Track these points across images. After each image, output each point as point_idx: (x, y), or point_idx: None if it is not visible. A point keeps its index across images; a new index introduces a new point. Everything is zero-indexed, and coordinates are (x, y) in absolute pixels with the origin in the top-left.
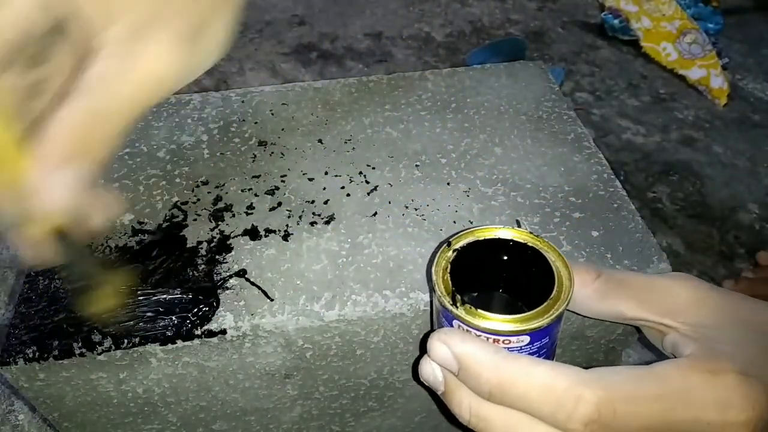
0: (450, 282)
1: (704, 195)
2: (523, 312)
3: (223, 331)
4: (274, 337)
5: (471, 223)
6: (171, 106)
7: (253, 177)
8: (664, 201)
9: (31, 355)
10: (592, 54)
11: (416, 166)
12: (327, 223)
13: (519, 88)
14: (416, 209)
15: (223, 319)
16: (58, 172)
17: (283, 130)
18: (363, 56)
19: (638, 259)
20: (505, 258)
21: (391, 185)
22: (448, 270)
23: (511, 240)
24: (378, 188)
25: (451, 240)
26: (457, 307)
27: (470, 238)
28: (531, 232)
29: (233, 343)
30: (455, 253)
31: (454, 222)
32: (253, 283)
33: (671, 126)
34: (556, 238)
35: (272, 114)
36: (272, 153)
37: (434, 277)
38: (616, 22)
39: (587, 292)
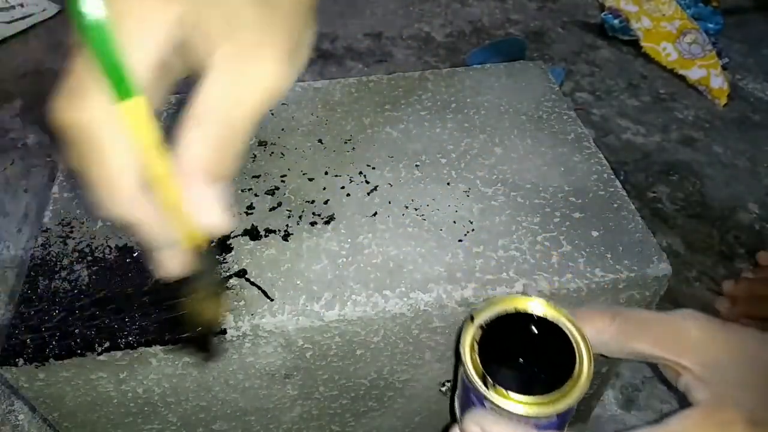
0: (479, 362)
1: (704, 195)
2: (544, 381)
3: (223, 331)
4: (274, 337)
5: (471, 223)
6: (171, 106)
7: (253, 177)
8: (664, 201)
9: (31, 355)
10: (592, 54)
11: (416, 166)
12: (327, 223)
13: (519, 88)
14: (416, 209)
15: (223, 319)
16: (209, 190)
17: (283, 130)
18: (363, 56)
19: (638, 259)
20: (528, 331)
21: (391, 185)
22: (476, 349)
23: (535, 315)
24: (378, 188)
25: (473, 314)
26: (488, 389)
27: (493, 312)
28: (548, 302)
29: (233, 343)
30: (481, 330)
31: (454, 222)
32: (253, 283)
33: (671, 126)
34: (556, 238)
35: (272, 114)
36: (272, 153)
37: (463, 357)
38: (616, 22)
39: (605, 338)
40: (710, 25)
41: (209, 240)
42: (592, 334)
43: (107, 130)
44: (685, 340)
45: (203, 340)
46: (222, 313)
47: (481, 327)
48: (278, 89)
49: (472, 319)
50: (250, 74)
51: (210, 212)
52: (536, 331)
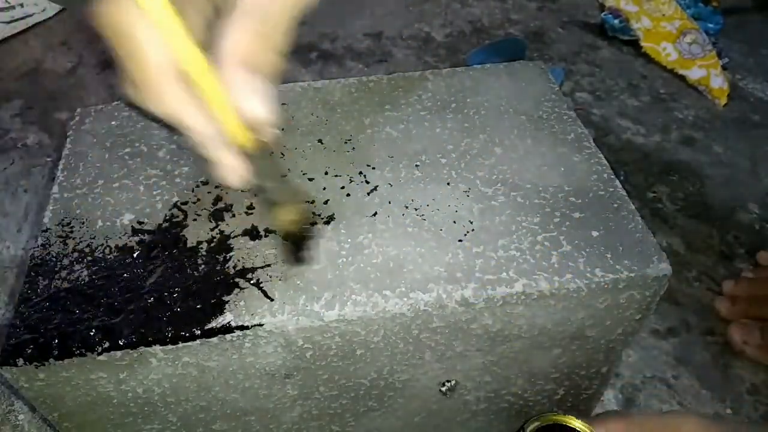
0: None
1: (704, 195)
2: None
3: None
4: (274, 337)
5: (471, 223)
6: None
7: None
8: (664, 201)
9: (31, 355)
10: (592, 54)
11: (416, 166)
12: (327, 223)
13: (519, 88)
14: (416, 209)
15: (223, 319)
16: (250, 78)
17: (283, 130)
18: (363, 56)
19: (638, 259)
20: None
21: (391, 185)
22: None
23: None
24: (378, 188)
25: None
26: None
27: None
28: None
29: (233, 343)
30: None
31: (454, 222)
32: (253, 283)
33: (671, 126)
34: (556, 238)
35: None
36: (272, 153)
37: None
38: (616, 22)
39: None
40: (710, 25)
41: (261, 141)
42: None
43: (141, 29)
44: None
45: (295, 244)
46: (304, 213)
47: None
48: None
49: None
50: None
51: (252, 100)
52: None
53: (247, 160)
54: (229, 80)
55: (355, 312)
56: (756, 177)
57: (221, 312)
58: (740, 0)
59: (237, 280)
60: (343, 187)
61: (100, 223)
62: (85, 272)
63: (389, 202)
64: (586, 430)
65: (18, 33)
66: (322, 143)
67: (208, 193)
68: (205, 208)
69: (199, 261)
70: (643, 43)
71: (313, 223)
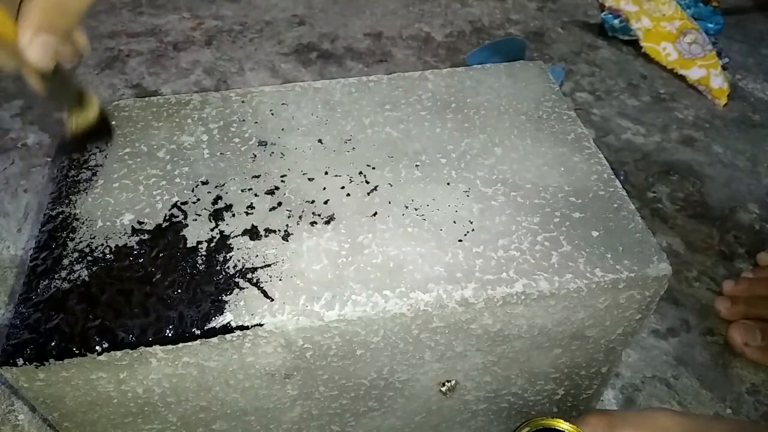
0: None
1: (704, 195)
2: None
3: (224, 331)
4: (274, 337)
5: (471, 223)
6: (171, 106)
7: (253, 177)
8: (664, 201)
9: (31, 355)
10: (592, 54)
11: (416, 166)
12: (327, 223)
13: (519, 88)
14: (416, 209)
15: (223, 319)
16: (37, 38)
17: (283, 130)
18: (363, 56)
19: (638, 259)
20: None
21: (391, 185)
22: None
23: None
24: (378, 188)
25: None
26: None
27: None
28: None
29: (233, 343)
30: None
31: (454, 222)
32: (253, 283)
33: (671, 126)
34: (556, 238)
35: (272, 114)
36: (272, 153)
37: None
38: (616, 22)
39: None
40: (710, 25)
41: (46, 71)
42: (589, 429)
43: None
44: (656, 427)
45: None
46: (92, 116)
47: None
48: None
49: None
50: None
51: (34, 54)
52: None
53: (41, 81)
54: (20, 38)
55: (355, 312)
56: (756, 177)
57: (221, 312)
58: (740, 0)
59: (237, 280)
60: (343, 187)
61: (100, 223)
62: (85, 272)
63: (389, 202)
64: (575, 431)
65: None
66: (322, 143)
67: (208, 193)
68: (205, 208)
69: (199, 261)
70: (643, 43)
71: (106, 118)
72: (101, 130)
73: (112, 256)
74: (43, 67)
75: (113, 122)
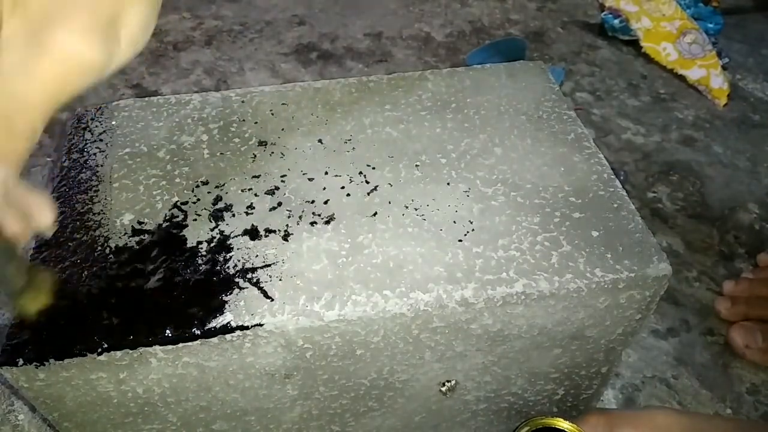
0: None
1: (704, 195)
2: None
3: (224, 331)
4: (274, 337)
5: (471, 223)
6: (171, 106)
7: (253, 177)
8: (664, 201)
9: (31, 355)
10: (592, 54)
11: (416, 166)
12: (327, 223)
13: (519, 88)
14: (416, 209)
15: (223, 319)
16: None
17: (283, 130)
18: (363, 56)
19: (638, 259)
20: None
21: (391, 185)
22: None
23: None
24: (378, 188)
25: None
26: None
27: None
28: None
29: (233, 343)
30: None
31: (454, 222)
32: (253, 283)
33: (671, 126)
34: (556, 238)
35: (272, 114)
36: (272, 153)
37: None
38: (616, 22)
39: (599, 430)
40: (710, 25)
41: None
42: (588, 428)
43: None
44: (655, 425)
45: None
46: (44, 300)
47: None
48: (85, 64)
49: None
50: (44, 48)
51: None
52: None
53: None
54: None
55: (355, 312)
56: (756, 177)
57: (221, 312)
58: (740, 0)
59: (237, 280)
60: (343, 187)
61: (100, 223)
62: (85, 272)
63: (389, 202)
64: (575, 430)
65: None
66: (322, 143)
67: (208, 193)
68: (205, 208)
69: (199, 261)
70: (643, 43)
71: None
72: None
73: (112, 256)
74: None
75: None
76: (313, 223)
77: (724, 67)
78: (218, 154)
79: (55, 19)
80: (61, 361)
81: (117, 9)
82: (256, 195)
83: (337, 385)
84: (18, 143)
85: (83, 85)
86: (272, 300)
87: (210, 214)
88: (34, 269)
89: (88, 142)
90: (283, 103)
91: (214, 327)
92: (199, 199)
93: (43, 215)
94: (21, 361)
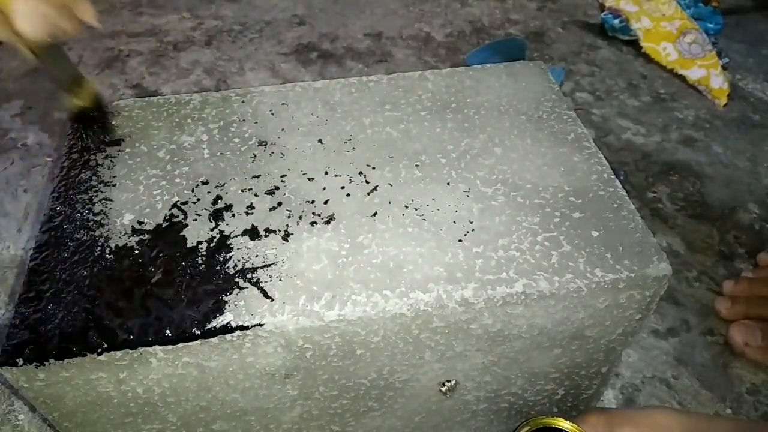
0: None
1: (704, 195)
2: None
3: (224, 331)
4: (274, 337)
5: (471, 223)
6: (171, 106)
7: (253, 177)
8: (664, 201)
9: (31, 355)
10: (592, 54)
11: (416, 166)
12: (327, 223)
13: (519, 88)
14: (416, 209)
15: (223, 319)
16: (29, 7)
17: (283, 130)
18: (363, 56)
19: (638, 259)
20: None
21: (391, 185)
22: None
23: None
24: (378, 188)
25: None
26: None
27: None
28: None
29: (233, 343)
30: None
31: (454, 222)
32: (253, 283)
33: (671, 126)
34: (556, 238)
35: (272, 114)
36: (272, 153)
37: None
38: (616, 22)
39: (599, 430)
40: (710, 25)
41: (41, 46)
42: (589, 428)
43: None
44: (655, 425)
45: (92, 116)
46: (90, 96)
47: None
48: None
49: None
50: None
51: (22, 20)
52: None
53: (37, 58)
54: (14, 8)
55: (355, 312)
56: (756, 177)
57: (221, 312)
58: (740, 0)
59: (237, 280)
60: (343, 187)
61: (100, 223)
62: (85, 272)
63: (389, 202)
64: (575, 430)
65: None
66: (322, 143)
67: (208, 193)
68: (205, 208)
69: (199, 261)
70: (643, 43)
71: (102, 104)
72: (98, 117)
73: (112, 256)
74: (34, 39)
75: (110, 111)
76: (313, 223)
77: (724, 67)
78: (218, 154)
79: None
80: (61, 361)
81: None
82: (256, 195)
83: (337, 385)
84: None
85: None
86: (272, 300)
87: (210, 214)
88: (79, 74)
89: (88, 141)
90: (283, 103)
91: (214, 327)
92: (199, 199)
93: (86, 10)
94: (21, 361)
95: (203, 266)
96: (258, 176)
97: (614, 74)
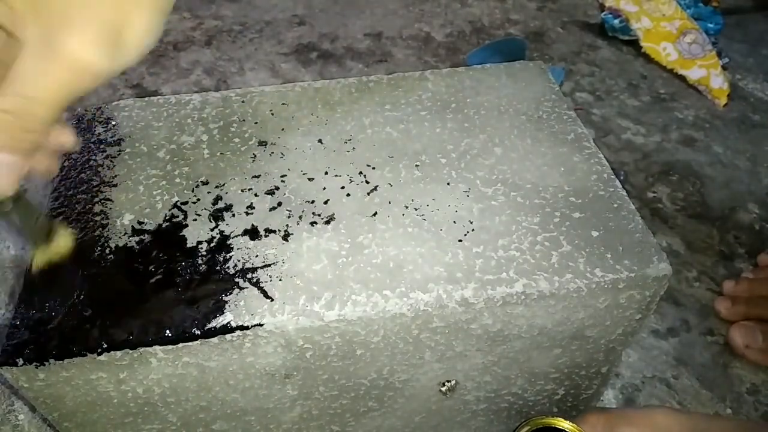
0: None
1: (704, 195)
2: None
3: (224, 331)
4: (274, 337)
5: (471, 223)
6: (171, 106)
7: (253, 177)
8: (664, 201)
9: (31, 355)
10: (592, 54)
11: (416, 166)
12: (327, 223)
13: (519, 88)
14: (416, 209)
15: (223, 319)
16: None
17: (283, 130)
18: (363, 56)
19: (638, 259)
20: None
21: (391, 185)
22: None
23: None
24: (378, 188)
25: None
26: None
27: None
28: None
29: (233, 343)
30: None
31: (454, 222)
32: (253, 283)
33: (671, 126)
34: (556, 238)
35: (272, 114)
36: (272, 153)
37: None
38: (616, 22)
39: (599, 429)
40: (710, 25)
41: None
42: (588, 428)
43: None
44: (654, 424)
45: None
46: (63, 250)
47: None
48: (93, 68)
49: None
50: (58, 51)
51: None
52: None
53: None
54: None
55: (355, 312)
56: (756, 177)
57: (221, 312)
58: (740, 0)
59: (237, 280)
60: (343, 187)
61: (100, 223)
62: (86, 272)
63: (389, 202)
64: (575, 430)
65: None
66: (322, 143)
67: (208, 193)
68: (205, 208)
69: (199, 261)
70: (643, 43)
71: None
72: (74, 263)
73: (112, 256)
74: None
75: (91, 253)
76: (313, 223)
77: (724, 67)
78: (218, 154)
79: (67, 28)
80: (61, 361)
81: (124, 18)
82: (256, 195)
83: (337, 385)
84: (30, 135)
85: (89, 88)
86: (272, 300)
87: (210, 214)
88: (52, 224)
89: (88, 142)
90: (283, 103)
91: (214, 327)
92: (199, 199)
93: (66, 140)
94: (21, 361)
95: (203, 266)
96: (258, 176)
97: (614, 74)
